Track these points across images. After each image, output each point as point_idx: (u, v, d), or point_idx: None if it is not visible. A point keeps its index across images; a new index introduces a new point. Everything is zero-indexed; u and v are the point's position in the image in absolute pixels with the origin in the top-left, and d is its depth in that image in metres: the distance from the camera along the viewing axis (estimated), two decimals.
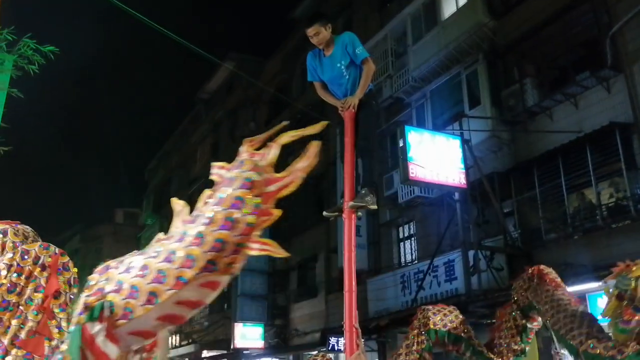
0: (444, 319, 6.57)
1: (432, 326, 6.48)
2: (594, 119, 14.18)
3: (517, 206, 15.74)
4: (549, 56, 16.11)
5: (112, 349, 2.39)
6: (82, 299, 2.59)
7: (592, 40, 14.90)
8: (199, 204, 2.97)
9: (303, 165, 2.96)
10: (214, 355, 30.02)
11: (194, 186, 39.44)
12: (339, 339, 18.26)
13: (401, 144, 15.45)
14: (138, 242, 46.88)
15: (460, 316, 6.80)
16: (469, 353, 6.46)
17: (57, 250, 3.53)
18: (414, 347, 6.38)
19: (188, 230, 2.69)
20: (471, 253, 14.94)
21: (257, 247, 2.84)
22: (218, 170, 3.12)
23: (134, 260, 2.78)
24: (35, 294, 3.34)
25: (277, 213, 3.07)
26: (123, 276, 2.64)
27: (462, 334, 6.54)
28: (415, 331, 6.52)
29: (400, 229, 20.91)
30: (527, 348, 6.73)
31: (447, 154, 15.57)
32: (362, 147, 5.29)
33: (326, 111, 5.21)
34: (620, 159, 13.21)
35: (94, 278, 2.75)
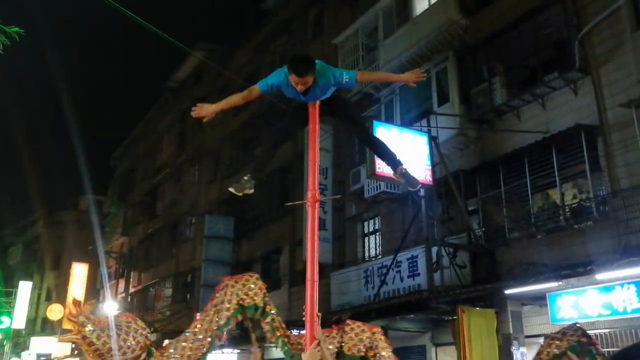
0: None
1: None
2: (561, 120, 14.32)
3: (481, 204, 15.83)
4: (518, 56, 16.20)
5: None
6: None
7: (561, 41, 15.00)
8: None
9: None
10: None
11: (159, 175, 39.14)
12: (301, 331, 18.21)
13: None
14: (102, 230, 46.42)
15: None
16: None
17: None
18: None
19: None
20: (435, 249, 15.00)
21: None
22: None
23: None
24: None
25: None
26: None
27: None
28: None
29: (366, 223, 20.94)
30: None
31: (414, 150, 15.59)
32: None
33: (294, 102, 5.04)
34: (584, 161, 13.34)
35: None
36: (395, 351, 6.58)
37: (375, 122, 15.79)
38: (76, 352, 43.85)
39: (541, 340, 14.22)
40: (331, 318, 16.27)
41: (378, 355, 6.16)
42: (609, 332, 12.59)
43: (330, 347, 6.04)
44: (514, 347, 13.24)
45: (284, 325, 6.15)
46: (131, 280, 39.50)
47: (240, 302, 5.77)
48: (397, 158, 5.05)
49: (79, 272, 42.71)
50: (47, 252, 53.99)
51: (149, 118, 43.67)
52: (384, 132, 15.44)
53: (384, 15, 20.00)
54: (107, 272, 44.88)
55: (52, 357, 46.79)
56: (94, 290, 43.29)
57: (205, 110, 4.84)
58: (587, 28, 14.09)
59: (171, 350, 5.43)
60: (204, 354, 5.56)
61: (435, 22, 17.68)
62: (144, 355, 5.17)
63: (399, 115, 18.60)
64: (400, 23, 19.19)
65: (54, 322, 45.12)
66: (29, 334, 49.86)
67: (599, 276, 11.58)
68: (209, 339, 5.61)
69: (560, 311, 12.56)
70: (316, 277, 4.55)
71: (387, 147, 5.15)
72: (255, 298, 5.84)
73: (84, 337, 4.91)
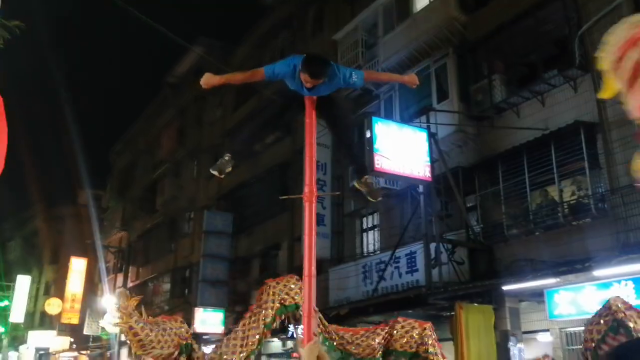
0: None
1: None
2: (560, 117, 14.33)
3: (480, 201, 15.86)
4: (518, 53, 16.21)
5: None
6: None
7: (561, 38, 15.02)
8: None
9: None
10: None
11: (158, 170, 39.11)
12: (298, 326, 18.28)
13: (368, 135, 15.43)
14: (101, 224, 46.37)
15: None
16: None
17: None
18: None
19: None
20: (433, 245, 15.02)
21: None
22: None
23: None
24: None
25: None
26: None
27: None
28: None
29: (364, 219, 20.98)
30: None
31: (413, 147, 15.59)
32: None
33: (288, 91, 5.08)
34: (583, 158, 13.35)
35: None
36: None
37: (374, 119, 15.78)
38: (74, 346, 43.94)
39: (538, 336, 14.30)
40: (330, 313, 16.32)
41: (428, 351, 6.40)
42: None
43: (374, 342, 6.38)
44: (511, 343, 13.28)
45: (325, 322, 6.50)
46: (129, 274, 39.54)
47: (282, 301, 6.21)
48: (366, 167, 5.43)
49: (77, 267, 42.76)
50: (46, 246, 53.97)
51: (149, 113, 43.58)
52: (383, 128, 15.45)
53: (384, 12, 20.01)
54: (106, 266, 44.91)
55: (50, 351, 46.84)
56: (92, 284, 43.29)
57: (205, 79, 4.85)
58: (587, 25, 14.10)
59: (224, 349, 6.00)
60: (253, 350, 6.08)
61: (435, 18, 17.69)
62: (176, 353, 5.75)
63: (398, 112, 18.60)
64: (400, 19, 19.20)
65: (52, 317, 45.17)
66: (27, 327, 49.89)
67: (597, 273, 11.62)
68: (257, 337, 6.10)
69: (557, 307, 12.60)
70: (314, 273, 4.58)
71: (360, 155, 5.35)
72: (296, 297, 6.26)
73: (131, 327, 5.56)
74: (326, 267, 20.00)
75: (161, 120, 40.87)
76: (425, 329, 6.55)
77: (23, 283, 47.68)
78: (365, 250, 20.55)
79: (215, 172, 5.12)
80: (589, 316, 6.69)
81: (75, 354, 44.33)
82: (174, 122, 38.95)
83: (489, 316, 13.35)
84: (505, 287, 13.13)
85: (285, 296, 6.27)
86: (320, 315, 6.52)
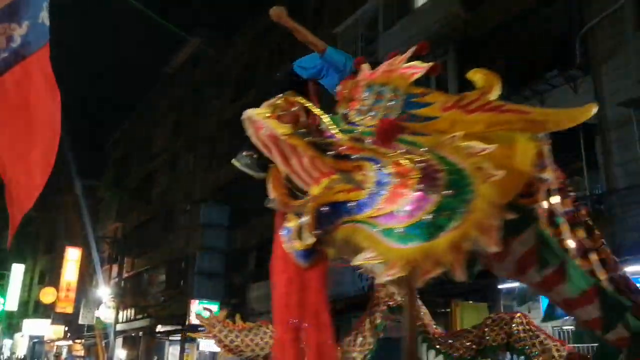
0: None
1: None
2: None
3: None
4: (519, 52, 16.14)
5: None
6: None
7: (563, 38, 14.95)
8: None
9: None
10: (168, 330, 29.93)
11: (154, 161, 39.02)
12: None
13: None
14: (96, 214, 46.29)
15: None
16: None
17: None
18: None
19: None
20: None
21: None
22: None
23: None
24: None
25: None
26: None
27: None
28: None
29: None
30: None
31: None
32: None
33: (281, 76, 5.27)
34: (581, 158, 13.33)
35: None
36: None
37: None
38: (69, 335, 43.94)
39: None
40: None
41: (520, 340, 6.46)
42: None
43: (466, 342, 6.71)
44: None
45: (426, 322, 7.16)
46: (125, 265, 39.51)
47: (388, 305, 6.99)
48: None
49: (72, 256, 42.65)
50: (41, 235, 53.88)
51: (146, 103, 43.41)
52: None
53: (385, 6, 19.92)
54: (101, 257, 44.86)
55: (44, 340, 46.86)
56: (87, 274, 43.23)
57: (278, 10, 5.24)
58: (588, 25, 14.06)
59: (346, 347, 6.81)
60: (370, 350, 6.87)
61: (436, 14, 17.62)
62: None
63: None
64: (401, 14, 19.12)
65: (47, 305, 45.16)
66: (21, 316, 49.88)
67: None
68: (371, 338, 6.89)
69: (552, 306, 12.60)
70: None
71: None
72: (398, 299, 6.87)
73: (214, 336, 6.74)
74: None
75: (158, 110, 40.70)
76: (513, 318, 6.60)
77: (17, 271, 47.65)
78: None
79: (261, 175, 5.10)
80: None
81: (70, 342, 44.34)
82: (170, 113, 38.79)
83: (483, 314, 13.35)
84: (500, 286, 13.15)
85: (390, 300, 6.96)
86: (425, 311, 7.18)
